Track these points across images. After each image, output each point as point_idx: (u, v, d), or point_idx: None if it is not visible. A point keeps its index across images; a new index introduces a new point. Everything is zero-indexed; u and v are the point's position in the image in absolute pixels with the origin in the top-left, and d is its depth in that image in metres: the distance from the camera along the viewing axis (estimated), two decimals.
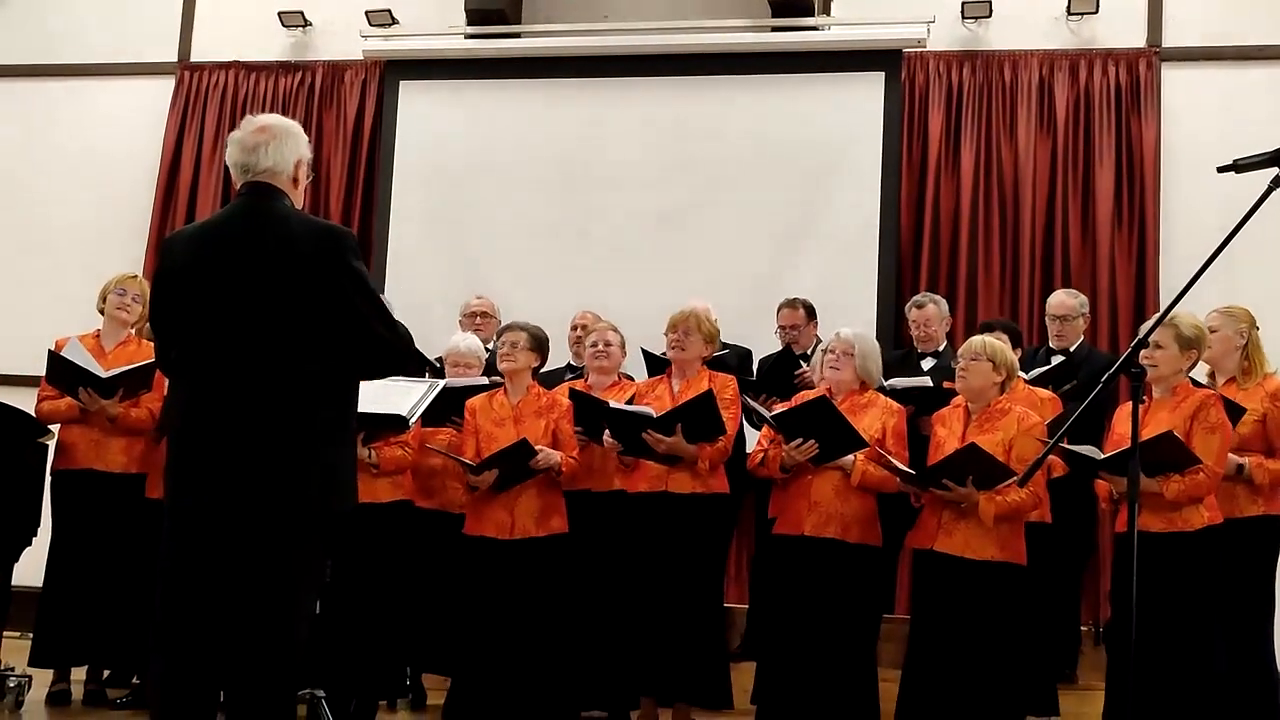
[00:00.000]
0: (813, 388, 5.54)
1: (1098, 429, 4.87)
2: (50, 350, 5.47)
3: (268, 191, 3.42)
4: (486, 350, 6.14)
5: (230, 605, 3.22)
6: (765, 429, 5.27)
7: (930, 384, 5.88)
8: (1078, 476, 5.04)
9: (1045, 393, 5.61)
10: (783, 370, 6.19)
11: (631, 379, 5.89)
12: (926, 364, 6.31)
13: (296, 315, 3.26)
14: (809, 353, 6.35)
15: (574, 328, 6.50)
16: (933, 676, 4.76)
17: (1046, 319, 6.38)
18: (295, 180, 3.50)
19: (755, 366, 6.69)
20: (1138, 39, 7.84)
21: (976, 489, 4.70)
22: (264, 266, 3.29)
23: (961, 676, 4.70)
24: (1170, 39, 7.80)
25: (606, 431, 5.27)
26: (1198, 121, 7.61)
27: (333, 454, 3.33)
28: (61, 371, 5.43)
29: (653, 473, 5.22)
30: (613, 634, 5.23)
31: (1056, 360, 6.06)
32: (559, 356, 6.14)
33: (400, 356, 3.47)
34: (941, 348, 6.38)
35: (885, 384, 5.63)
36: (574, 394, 5.41)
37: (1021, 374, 5.69)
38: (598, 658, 5.34)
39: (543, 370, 5.74)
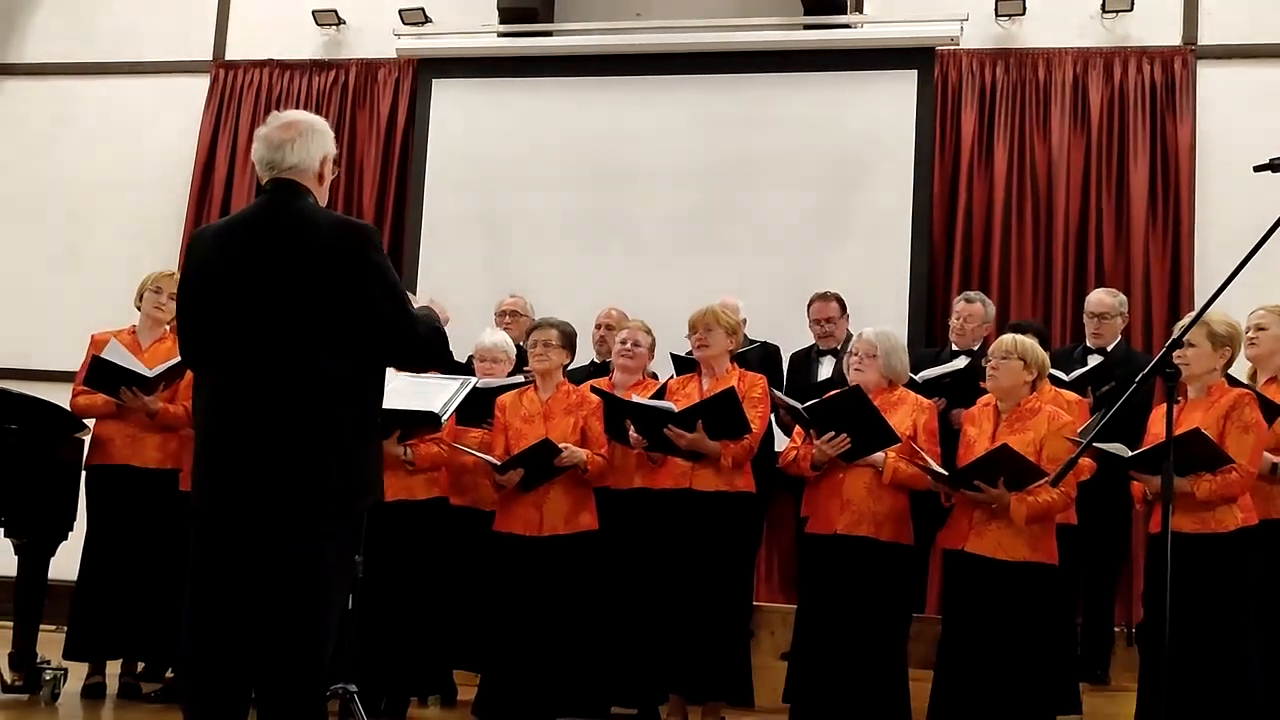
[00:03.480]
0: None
1: (1136, 430, 4.84)
2: (95, 356, 5.49)
3: (292, 189, 3.43)
4: (518, 347, 6.15)
5: (259, 602, 3.23)
6: (798, 428, 5.27)
7: (960, 366, 5.85)
8: (1109, 477, 5.01)
9: (1072, 395, 5.57)
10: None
11: (656, 378, 5.90)
12: (959, 363, 6.28)
13: (319, 311, 3.27)
14: (839, 348, 6.33)
15: (599, 325, 6.51)
16: (965, 677, 4.75)
17: (1085, 317, 6.34)
18: (320, 177, 3.49)
19: (786, 364, 6.69)
20: (1173, 37, 7.78)
21: (1008, 490, 4.68)
22: (286, 263, 3.29)
23: (993, 676, 4.68)
24: (1206, 37, 7.74)
25: (631, 428, 5.28)
26: (1233, 120, 7.55)
27: (357, 451, 3.33)
28: (104, 374, 5.47)
29: (678, 470, 5.22)
30: (641, 631, 5.24)
31: (1094, 360, 6.02)
32: (584, 354, 6.15)
33: (422, 348, 3.46)
34: (975, 347, 6.35)
35: (915, 377, 5.61)
36: (597, 392, 5.42)
37: (1061, 374, 5.67)
38: (627, 654, 5.35)
39: (570, 367, 5.75)
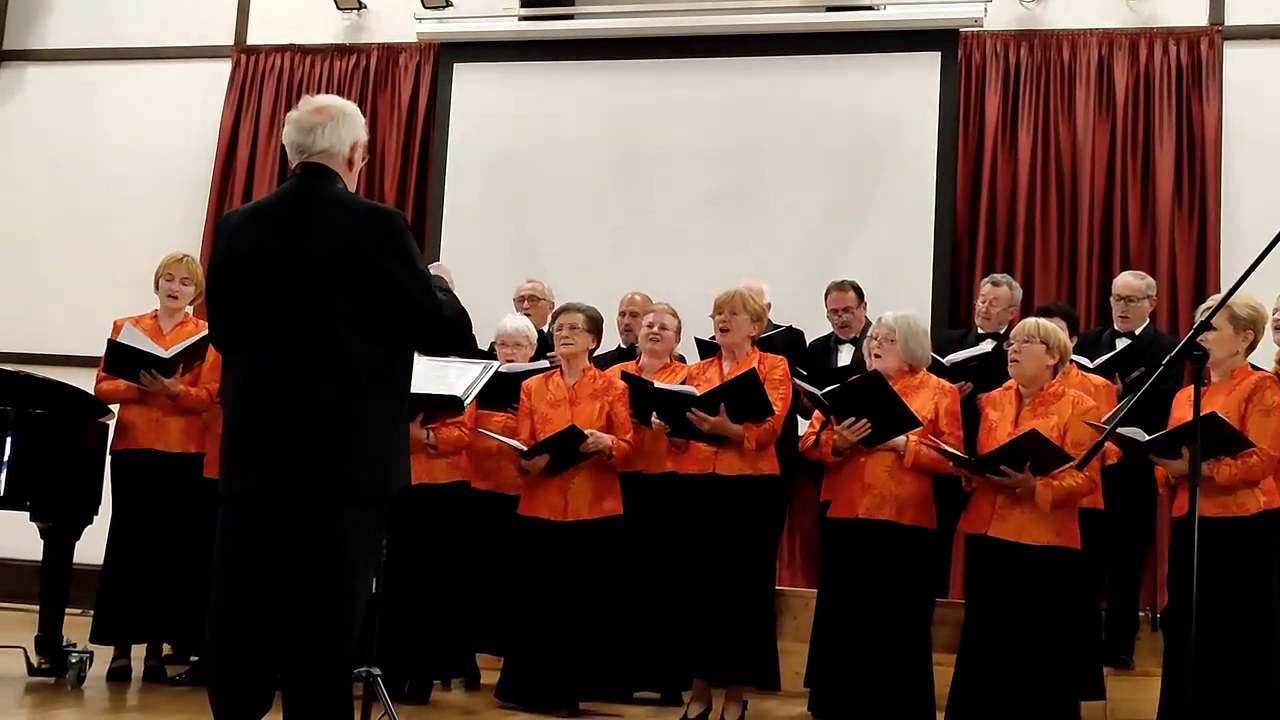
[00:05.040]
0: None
1: (1164, 415, 4.81)
2: (110, 340, 5.52)
3: (321, 173, 3.43)
4: (539, 332, 6.15)
5: (284, 587, 3.24)
6: (817, 411, 5.25)
7: (987, 349, 5.81)
8: (1135, 462, 4.98)
9: (1100, 380, 5.53)
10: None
11: (684, 360, 5.89)
12: (985, 346, 6.25)
13: (346, 295, 3.27)
14: (858, 336, 6.31)
15: (623, 312, 6.51)
16: (988, 661, 4.74)
17: (1111, 300, 6.29)
18: (350, 162, 3.48)
19: (808, 348, 6.67)
20: (1199, 17, 7.71)
21: (1033, 475, 4.66)
22: (313, 247, 3.30)
23: (1016, 661, 4.68)
24: (1233, 17, 7.66)
25: (654, 413, 5.27)
26: (1261, 102, 7.46)
27: (384, 435, 3.34)
28: (121, 358, 5.48)
29: (701, 454, 5.20)
30: (665, 615, 5.24)
31: (1122, 344, 5.98)
32: (609, 339, 6.15)
33: (449, 334, 3.47)
34: (1001, 331, 6.31)
35: (942, 360, 5.58)
36: (624, 376, 5.42)
37: (1085, 360, 5.63)
38: (650, 639, 5.36)
39: (595, 353, 5.75)
